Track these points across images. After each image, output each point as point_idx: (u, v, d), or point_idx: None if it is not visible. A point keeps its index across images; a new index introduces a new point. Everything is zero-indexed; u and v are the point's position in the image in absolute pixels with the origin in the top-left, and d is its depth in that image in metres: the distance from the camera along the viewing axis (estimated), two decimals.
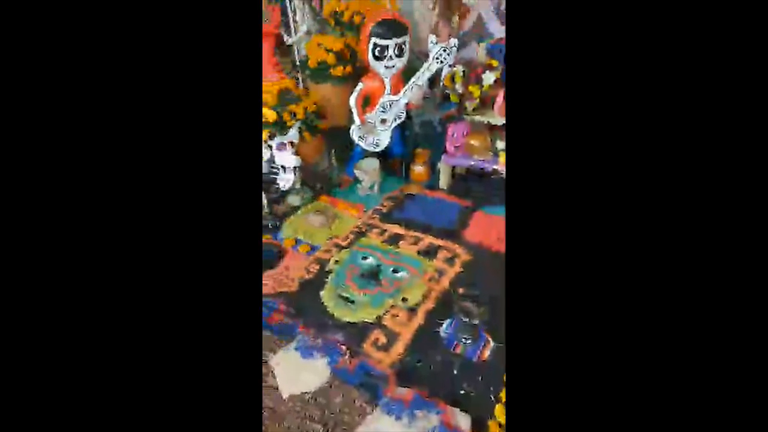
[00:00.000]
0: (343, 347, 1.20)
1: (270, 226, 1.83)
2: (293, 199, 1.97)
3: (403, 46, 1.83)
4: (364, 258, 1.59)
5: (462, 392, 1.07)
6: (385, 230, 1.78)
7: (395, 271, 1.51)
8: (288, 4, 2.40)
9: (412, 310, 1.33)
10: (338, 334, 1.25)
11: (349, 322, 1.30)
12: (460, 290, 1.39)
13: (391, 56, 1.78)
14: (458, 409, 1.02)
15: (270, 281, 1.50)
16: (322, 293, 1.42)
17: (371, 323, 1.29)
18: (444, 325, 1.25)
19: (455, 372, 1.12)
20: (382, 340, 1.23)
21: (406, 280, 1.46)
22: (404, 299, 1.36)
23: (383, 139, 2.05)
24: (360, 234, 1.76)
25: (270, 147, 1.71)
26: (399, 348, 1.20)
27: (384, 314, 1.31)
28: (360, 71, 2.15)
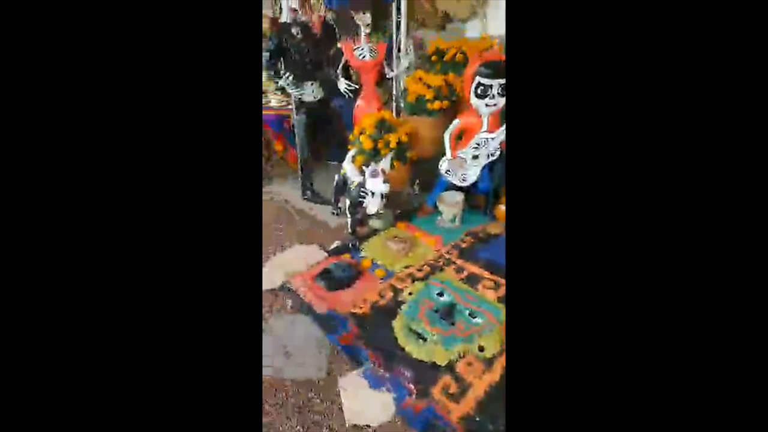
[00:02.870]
0: (411, 386, 1.16)
1: (350, 246, 1.91)
2: (376, 223, 2.03)
3: None
4: (440, 294, 1.55)
5: None
6: (464, 268, 1.72)
7: (472, 315, 1.43)
8: (393, 41, 2.58)
9: (489, 363, 1.23)
10: (407, 369, 1.22)
11: (419, 360, 1.25)
12: None
13: (493, 95, 1.77)
14: None
15: (344, 299, 1.55)
16: (393, 323, 1.41)
17: (442, 366, 1.23)
18: None
19: None
20: (453, 388, 1.15)
21: (484, 326, 1.37)
22: (480, 348, 1.27)
23: (471, 174, 2.03)
24: (437, 268, 1.73)
25: (363, 172, 1.81)
26: (470, 401, 1.11)
27: (457, 360, 1.24)
28: (456, 107, 2.19)
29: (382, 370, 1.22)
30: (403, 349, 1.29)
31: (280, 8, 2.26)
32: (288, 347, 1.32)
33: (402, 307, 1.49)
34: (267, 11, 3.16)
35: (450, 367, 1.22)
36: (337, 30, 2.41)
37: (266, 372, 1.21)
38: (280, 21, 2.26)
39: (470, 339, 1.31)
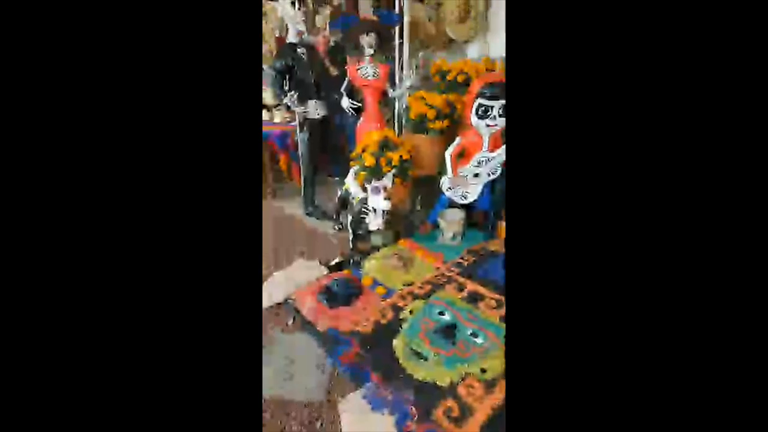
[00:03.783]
0: (413, 409, 1.14)
1: (351, 262, 1.90)
2: (377, 239, 2.04)
3: None
4: (441, 313, 1.53)
5: None
6: (465, 287, 1.71)
7: (474, 335, 1.41)
8: (396, 62, 2.65)
9: (491, 384, 1.21)
10: (409, 391, 1.20)
11: (420, 381, 1.23)
12: None
13: (494, 116, 1.81)
14: None
15: (346, 317, 1.53)
16: (394, 342, 1.39)
17: (443, 387, 1.20)
18: None
19: None
20: (455, 411, 1.13)
21: (486, 347, 1.35)
22: (483, 370, 1.25)
23: (473, 192, 2.04)
24: (437, 286, 1.72)
25: (365, 189, 1.82)
26: (473, 425, 1.09)
27: (459, 381, 1.22)
28: (456, 126, 2.23)
29: (383, 391, 1.19)
30: (404, 370, 1.27)
31: (287, 29, 2.33)
32: (288, 366, 1.30)
33: (403, 325, 1.47)
34: (275, 31, 3.26)
35: (452, 389, 1.20)
36: (342, 50, 2.48)
37: (266, 392, 1.19)
38: (287, 41, 2.32)
39: (472, 360, 1.30)
